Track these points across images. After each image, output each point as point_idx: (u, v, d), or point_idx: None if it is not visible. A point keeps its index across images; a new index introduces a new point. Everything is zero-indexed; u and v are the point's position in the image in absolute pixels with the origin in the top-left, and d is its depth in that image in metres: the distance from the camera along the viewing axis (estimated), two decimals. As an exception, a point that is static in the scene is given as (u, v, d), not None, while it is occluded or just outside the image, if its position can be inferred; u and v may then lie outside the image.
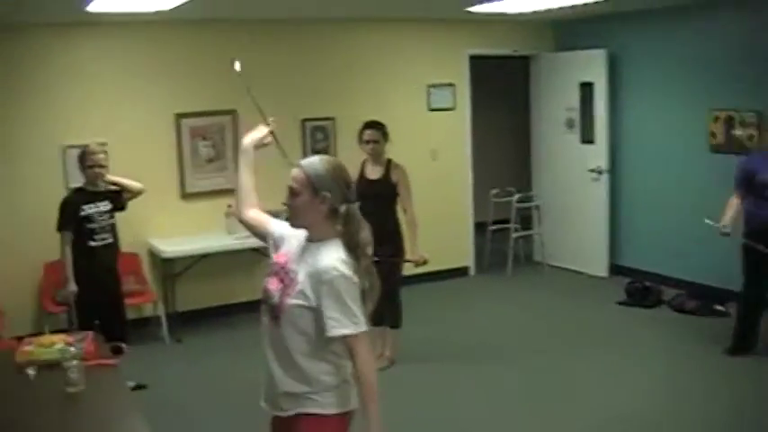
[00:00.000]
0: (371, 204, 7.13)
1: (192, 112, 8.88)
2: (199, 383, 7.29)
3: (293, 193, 3.40)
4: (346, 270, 3.30)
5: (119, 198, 7.05)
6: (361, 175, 7.23)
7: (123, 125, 8.55)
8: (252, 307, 8.89)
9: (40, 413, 3.94)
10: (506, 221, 11.17)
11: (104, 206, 6.83)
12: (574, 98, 10.50)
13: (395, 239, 7.20)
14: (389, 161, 7.26)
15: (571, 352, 7.77)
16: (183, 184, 8.97)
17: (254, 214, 3.85)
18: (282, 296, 3.42)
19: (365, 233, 3.43)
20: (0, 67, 8.00)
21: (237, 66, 4.25)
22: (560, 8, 8.76)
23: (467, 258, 10.90)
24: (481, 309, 9.40)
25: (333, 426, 3.48)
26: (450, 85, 10.44)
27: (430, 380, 7.13)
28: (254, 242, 8.61)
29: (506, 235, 11.06)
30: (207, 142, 9.02)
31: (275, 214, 3.81)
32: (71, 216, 6.66)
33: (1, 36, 7.90)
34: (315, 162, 3.44)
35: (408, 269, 7.55)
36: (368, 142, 7.19)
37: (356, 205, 3.43)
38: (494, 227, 11.28)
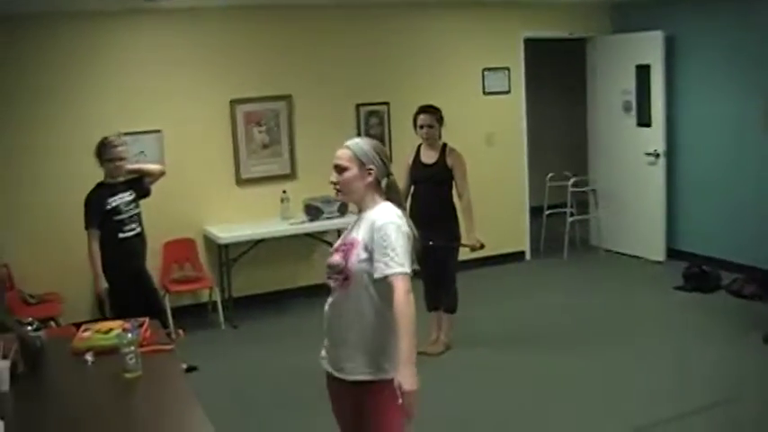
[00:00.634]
0: (426, 188, 7.16)
1: (246, 98, 8.90)
2: (254, 369, 7.33)
3: (341, 169, 3.75)
4: (399, 221, 3.64)
5: (141, 185, 6.97)
6: (416, 159, 7.21)
7: (178, 113, 8.61)
8: (307, 292, 9.05)
9: (99, 399, 3.97)
10: (562, 206, 11.10)
11: (128, 196, 6.76)
12: (630, 81, 10.36)
13: (450, 224, 7.14)
14: (445, 145, 7.17)
15: (627, 338, 7.68)
16: (238, 170, 8.99)
17: None
18: (347, 259, 3.68)
19: (403, 201, 3.90)
20: (56, 55, 8.09)
21: None
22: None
23: (523, 243, 10.84)
24: (537, 294, 9.34)
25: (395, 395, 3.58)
26: (506, 68, 10.36)
27: (485, 365, 7.10)
28: (308, 227, 8.74)
29: (562, 220, 11.00)
30: (261, 128, 9.04)
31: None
32: (96, 212, 6.58)
33: (57, 24, 7.99)
34: (359, 142, 3.82)
35: (464, 254, 7.52)
36: (422, 127, 7.12)
37: (393, 177, 3.84)
38: (549, 211, 11.21)
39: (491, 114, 10.29)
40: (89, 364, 4.32)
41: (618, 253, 10.77)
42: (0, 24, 7.71)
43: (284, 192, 8.91)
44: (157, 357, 4.37)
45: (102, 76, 8.29)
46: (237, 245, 8.61)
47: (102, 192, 6.65)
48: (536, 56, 11.00)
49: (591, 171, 11.31)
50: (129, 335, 4.25)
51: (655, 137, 10.09)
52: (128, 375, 4.06)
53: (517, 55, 10.42)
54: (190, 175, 8.65)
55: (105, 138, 6.72)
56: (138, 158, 7.89)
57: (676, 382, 6.54)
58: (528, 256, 10.88)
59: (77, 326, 5.01)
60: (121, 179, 6.81)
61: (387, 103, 9.63)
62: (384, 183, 3.77)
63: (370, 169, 3.72)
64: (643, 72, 10.17)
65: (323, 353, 3.97)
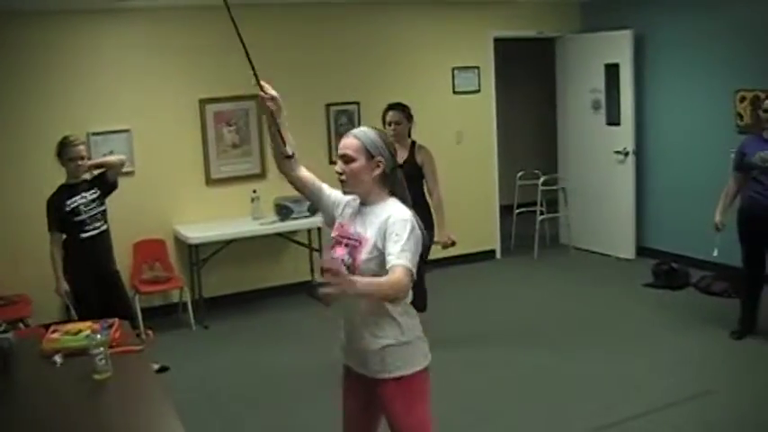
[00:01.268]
0: None
1: (215, 98, 8.88)
2: (225, 368, 7.30)
3: (348, 159, 3.60)
4: (413, 221, 3.53)
5: (105, 180, 6.85)
6: None
7: (147, 112, 8.57)
8: (278, 292, 9.05)
9: (68, 400, 3.94)
10: (532, 204, 11.14)
11: (91, 194, 6.68)
12: (599, 80, 10.42)
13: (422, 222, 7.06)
14: (413, 143, 7.15)
15: (598, 335, 7.73)
16: (207, 169, 8.96)
17: (306, 173, 3.95)
18: (355, 256, 3.56)
19: (408, 196, 3.73)
20: (25, 54, 8.02)
21: None
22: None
23: (493, 242, 10.87)
24: (507, 292, 9.38)
25: (418, 381, 3.72)
26: (475, 67, 10.39)
27: (454, 364, 7.10)
28: (279, 227, 8.73)
29: (532, 218, 11.04)
30: (231, 127, 9.02)
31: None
32: (56, 215, 6.54)
33: (25, 23, 7.92)
34: (366, 131, 3.67)
35: (435, 252, 7.49)
36: (390, 124, 7.04)
37: (400, 171, 3.71)
38: (519, 210, 11.25)
39: (461, 113, 10.32)
40: (58, 365, 4.30)
41: (588, 251, 10.83)
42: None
43: (254, 191, 8.89)
44: (127, 358, 4.35)
45: (69, 75, 8.23)
46: (208, 245, 8.58)
47: (62, 194, 6.60)
48: (506, 55, 11.05)
49: (561, 169, 11.35)
50: (99, 336, 4.22)
51: (624, 135, 10.14)
52: (97, 376, 4.04)
53: (487, 54, 10.44)
54: (159, 175, 8.62)
55: (65, 137, 6.66)
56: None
57: (646, 378, 6.57)
58: (498, 255, 10.90)
59: (46, 327, 4.99)
60: (86, 177, 6.74)
61: (357, 103, 9.63)
62: (392, 175, 3.66)
63: (380, 161, 3.60)
64: (612, 71, 10.22)
65: (341, 345, 3.87)
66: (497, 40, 10.51)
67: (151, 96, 8.59)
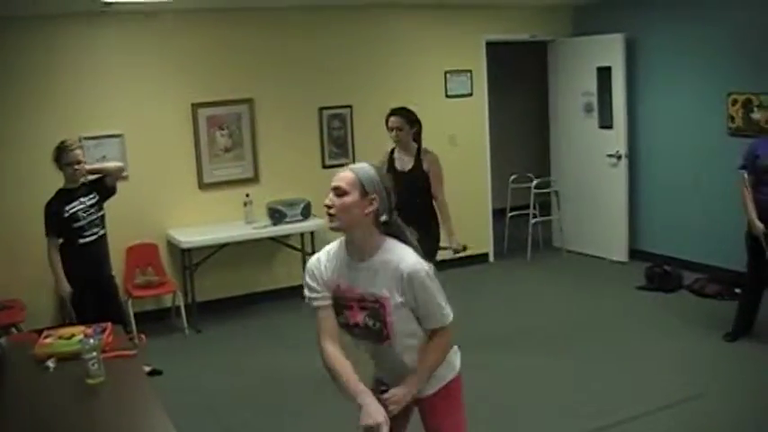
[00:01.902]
0: (405, 198, 6.99)
1: (208, 102, 8.86)
2: (218, 372, 7.30)
3: (341, 192, 3.38)
4: (423, 265, 3.44)
5: (103, 185, 6.82)
6: (391, 168, 6.87)
7: (140, 116, 8.55)
8: (271, 296, 9.05)
9: (61, 405, 3.94)
10: (525, 207, 11.15)
11: (89, 200, 6.66)
12: (591, 83, 10.44)
13: (431, 228, 6.88)
14: (419, 149, 6.95)
15: (591, 337, 7.73)
16: (200, 174, 8.95)
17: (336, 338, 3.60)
18: (384, 320, 3.47)
19: (409, 237, 3.55)
20: (16, 58, 8.00)
21: None
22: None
23: (486, 245, 10.87)
24: (500, 295, 9.39)
25: (455, 383, 3.85)
26: (468, 71, 10.40)
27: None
28: (272, 231, 8.73)
29: (525, 221, 11.05)
30: (224, 132, 9.01)
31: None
32: (54, 220, 6.50)
33: (17, 27, 7.90)
34: (364, 166, 3.48)
35: (440, 257, 7.37)
36: (392, 129, 6.88)
37: (396, 214, 3.54)
38: (512, 213, 11.26)
39: (454, 117, 10.32)
40: (51, 370, 4.29)
41: (581, 254, 10.83)
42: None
43: (247, 195, 8.88)
44: (120, 363, 4.35)
45: (61, 80, 8.21)
46: (200, 249, 8.56)
47: (60, 199, 6.56)
48: (498, 58, 11.05)
49: (553, 173, 11.36)
50: (92, 340, 4.22)
51: (616, 138, 10.16)
52: (90, 381, 4.04)
53: (479, 58, 10.45)
54: (152, 179, 8.60)
55: (62, 142, 6.61)
56: (100, 162, 7.82)
57: (640, 381, 6.57)
58: (491, 258, 10.91)
59: (39, 332, 4.98)
60: (83, 182, 6.70)
61: (350, 107, 9.62)
62: (385, 219, 3.45)
63: (373, 198, 3.38)
64: (604, 74, 10.24)
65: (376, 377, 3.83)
66: (490, 44, 10.52)
67: (144, 100, 8.57)
